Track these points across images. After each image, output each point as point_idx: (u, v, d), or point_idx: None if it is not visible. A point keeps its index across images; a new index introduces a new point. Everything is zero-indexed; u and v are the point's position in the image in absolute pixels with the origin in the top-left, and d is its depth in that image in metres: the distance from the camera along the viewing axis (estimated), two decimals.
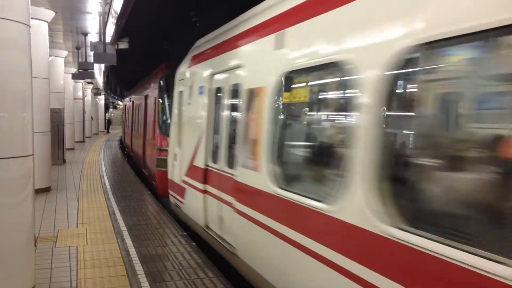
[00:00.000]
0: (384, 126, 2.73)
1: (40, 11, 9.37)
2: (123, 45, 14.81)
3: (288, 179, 3.96)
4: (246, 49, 4.96)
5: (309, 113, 4.01)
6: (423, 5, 2.54)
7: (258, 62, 4.65)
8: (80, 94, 23.57)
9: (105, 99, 47.23)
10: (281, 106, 4.13)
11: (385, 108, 2.71)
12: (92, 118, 34.03)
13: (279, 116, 4.13)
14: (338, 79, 3.49)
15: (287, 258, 3.74)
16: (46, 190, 9.50)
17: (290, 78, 4.04)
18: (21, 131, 3.92)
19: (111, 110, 49.63)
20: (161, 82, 10.55)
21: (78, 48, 14.85)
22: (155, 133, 10.41)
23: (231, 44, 5.41)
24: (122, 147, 22.61)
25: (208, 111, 6.07)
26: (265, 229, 4.09)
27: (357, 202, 2.84)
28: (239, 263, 4.77)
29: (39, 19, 9.43)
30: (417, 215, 2.58)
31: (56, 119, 13.18)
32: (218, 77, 5.87)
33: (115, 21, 10.95)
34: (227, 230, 5.14)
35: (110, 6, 10.02)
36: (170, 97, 8.94)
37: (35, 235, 4.28)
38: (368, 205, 2.74)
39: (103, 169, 13.43)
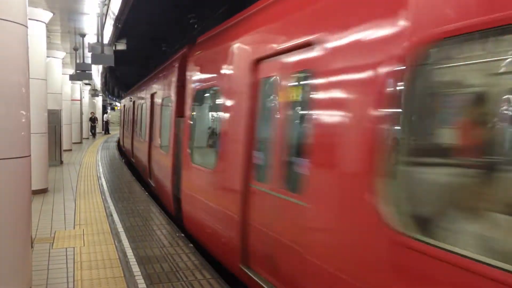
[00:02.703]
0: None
1: (37, 12, 9.36)
2: (121, 46, 14.82)
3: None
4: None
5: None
6: None
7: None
8: (77, 95, 23.54)
9: (103, 101, 47.18)
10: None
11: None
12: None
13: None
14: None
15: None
16: (43, 191, 9.47)
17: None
18: (18, 132, 3.91)
19: (109, 111, 49.63)
20: None
21: (75, 49, 14.84)
22: None
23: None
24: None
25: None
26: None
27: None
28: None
29: (37, 20, 9.42)
30: None
31: (54, 120, 13.16)
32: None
33: (113, 22, 10.96)
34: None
35: (108, 7, 10.03)
36: None
37: (32, 236, 4.28)
38: None
39: (101, 170, 13.41)
